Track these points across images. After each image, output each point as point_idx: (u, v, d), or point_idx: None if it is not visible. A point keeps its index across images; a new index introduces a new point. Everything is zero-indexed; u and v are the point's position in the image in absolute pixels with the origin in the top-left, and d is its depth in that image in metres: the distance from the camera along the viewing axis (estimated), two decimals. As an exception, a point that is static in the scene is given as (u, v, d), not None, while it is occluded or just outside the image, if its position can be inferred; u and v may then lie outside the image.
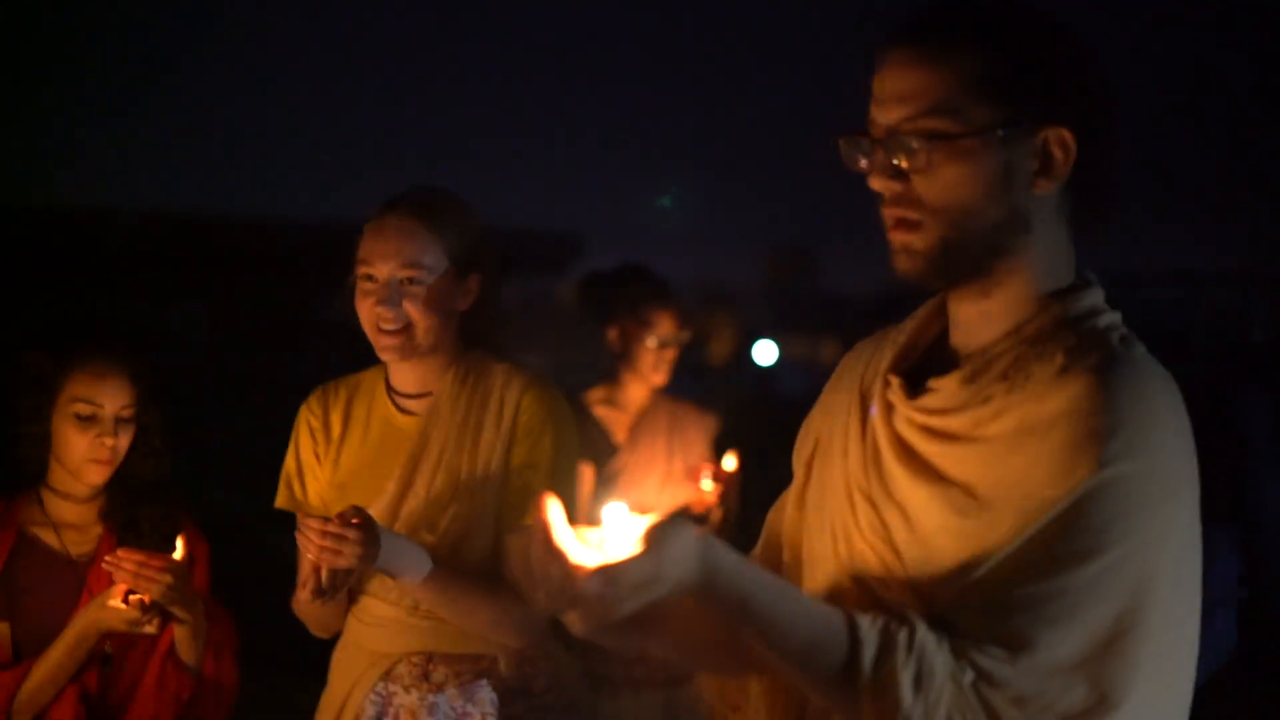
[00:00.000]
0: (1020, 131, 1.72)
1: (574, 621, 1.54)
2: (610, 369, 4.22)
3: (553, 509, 1.56)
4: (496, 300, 3.00)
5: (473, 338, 2.97)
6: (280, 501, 3.03)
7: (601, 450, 4.13)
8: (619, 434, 4.18)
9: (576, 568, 1.52)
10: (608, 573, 1.50)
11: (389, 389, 2.99)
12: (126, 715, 2.98)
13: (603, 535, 1.55)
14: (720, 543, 1.60)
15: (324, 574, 2.67)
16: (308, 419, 3.01)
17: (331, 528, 2.63)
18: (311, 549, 2.64)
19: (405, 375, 2.96)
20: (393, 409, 2.97)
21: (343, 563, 2.64)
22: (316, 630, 2.99)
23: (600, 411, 4.19)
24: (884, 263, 1.82)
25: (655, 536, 1.52)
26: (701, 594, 1.56)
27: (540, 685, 2.95)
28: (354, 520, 2.65)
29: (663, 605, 1.56)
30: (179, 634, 2.96)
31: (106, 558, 2.86)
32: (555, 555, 1.53)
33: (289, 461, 3.03)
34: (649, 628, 1.61)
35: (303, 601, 2.80)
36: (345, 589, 2.79)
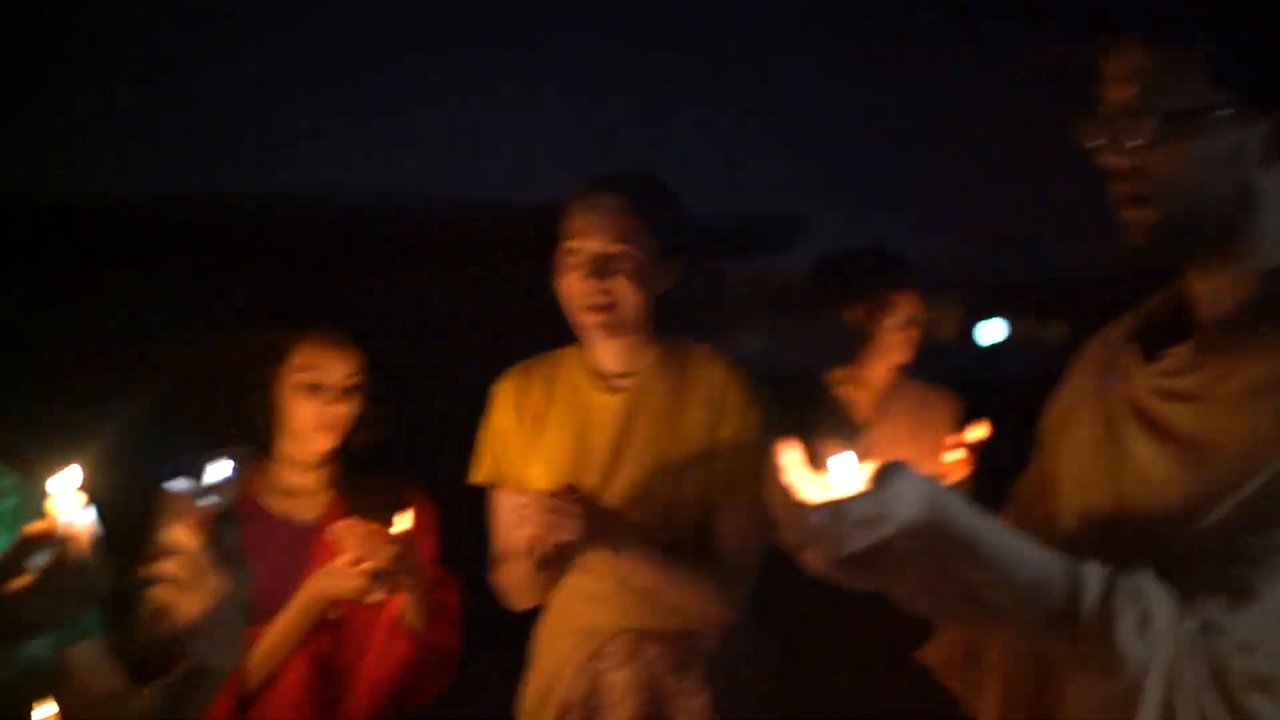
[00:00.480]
0: (1250, 112, 1.76)
1: (808, 559, 1.62)
2: (850, 349, 4.19)
3: (787, 451, 1.63)
4: (696, 285, 3.03)
5: (671, 321, 3.00)
6: (479, 476, 3.08)
7: (846, 430, 4.10)
8: (863, 413, 4.16)
9: (804, 503, 1.59)
10: (833, 508, 1.58)
11: (590, 368, 3.02)
12: (353, 680, 3.04)
13: (833, 478, 1.63)
14: (946, 486, 1.65)
15: (546, 547, 2.76)
16: (507, 396, 3.06)
17: (555, 502, 2.72)
18: (534, 523, 2.72)
19: (608, 354, 2.99)
20: (596, 387, 3.00)
21: (566, 536, 2.73)
22: (519, 602, 3.03)
23: (843, 391, 4.17)
24: (1110, 242, 1.86)
25: (881, 476, 1.60)
26: (929, 533, 1.62)
27: (747, 662, 2.97)
28: (575, 495, 2.73)
29: (895, 546, 1.62)
30: (405, 601, 3.00)
31: (334, 526, 2.92)
32: (786, 493, 1.61)
33: (487, 437, 3.08)
34: (884, 569, 1.66)
35: (516, 573, 2.91)
36: (566, 562, 2.87)
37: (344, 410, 3.08)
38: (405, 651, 3.04)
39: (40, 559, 1.51)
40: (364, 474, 3.16)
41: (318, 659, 3.02)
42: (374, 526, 2.90)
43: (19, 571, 1.51)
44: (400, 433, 3.22)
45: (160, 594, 1.67)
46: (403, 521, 2.93)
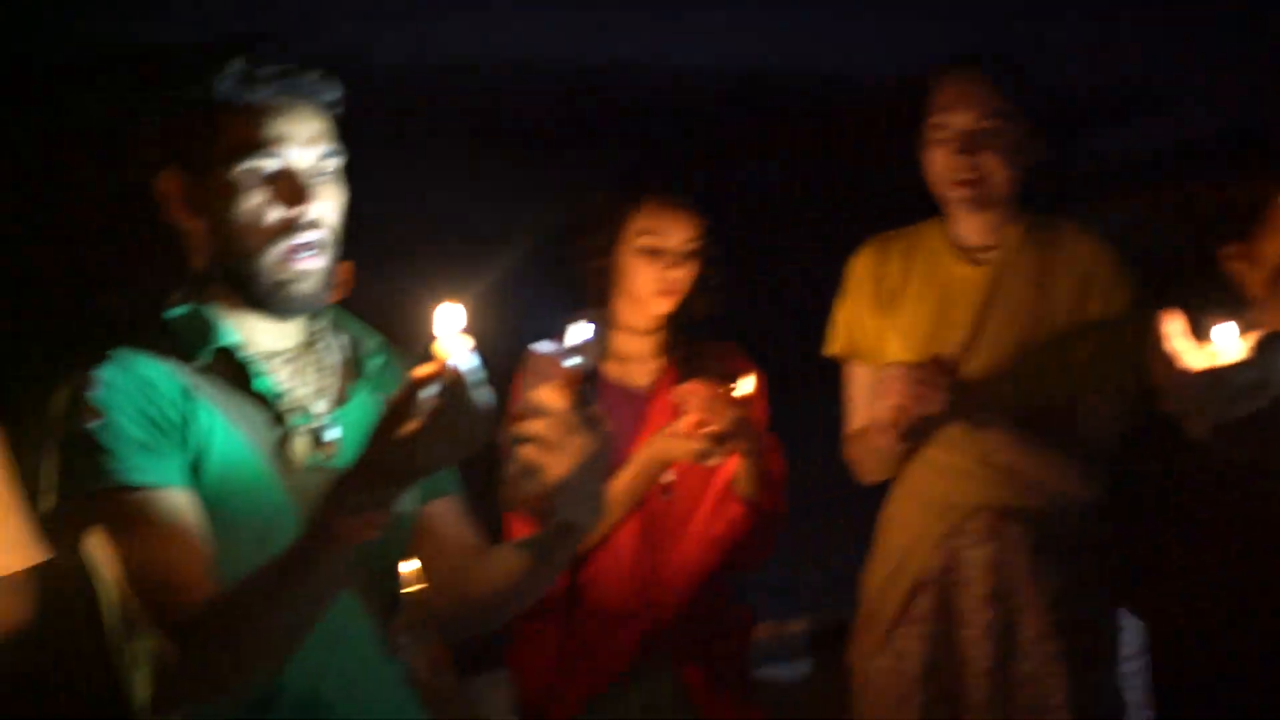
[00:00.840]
0: None
1: (1190, 426, 1.66)
2: (1238, 226, 3.99)
3: (1171, 321, 1.65)
4: (1060, 159, 2.98)
5: (1035, 196, 2.96)
6: (834, 348, 3.09)
7: (1234, 306, 3.93)
8: (1254, 290, 3.96)
9: (1186, 369, 1.64)
10: (1215, 375, 1.62)
11: (953, 241, 3.00)
12: (682, 543, 3.07)
13: (1216, 347, 1.65)
14: None
15: (909, 419, 2.78)
16: (862, 270, 3.06)
17: (921, 374, 2.74)
18: (899, 394, 2.75)
19: (971, 227, 2.97)
20: (958, 261, 2.99)
21: (931, 409, 2.76)
22: (872, 474, 3.05)
23: (1234, 268, 3.98)
24: None
25: (1264, 345, 1.61)
26: None
27: (1097, 549, 2.93)
28: (941, 367, 2.74)
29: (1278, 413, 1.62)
30: (739, 467, 3.01)
31: (680, 388, 2.93)
32: (1170, 361, 1.65)
33: (843, 310, 3.08)
34: (1266, 436, 1.70)
35: (872, 445, 2.93)
36: (926, 436, 2.87)
37: (682, 275, 3.08)
38: (735, 517, 3.06)
39: (427, 402, 1.53)
40: (695, 341, 3.16)
41: (650, 521, 3.06)
42: (718, 389, 2.90)
43: (407, 414, 1.54)
44: (733, 300, 3.21)
45: (528, 453, 1.70)
46: (745, 385, 2.93)
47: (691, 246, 3.08)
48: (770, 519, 3.10)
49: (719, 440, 2.90)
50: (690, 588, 3.07)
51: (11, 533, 2.65)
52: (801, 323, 3.20)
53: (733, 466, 3.02)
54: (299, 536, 1.65)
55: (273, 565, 1.67)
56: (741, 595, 3.23)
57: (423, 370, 1.55)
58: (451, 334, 1.54)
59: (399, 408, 1.55)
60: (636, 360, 3.16)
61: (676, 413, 2.97)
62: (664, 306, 3.10)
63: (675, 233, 3.07)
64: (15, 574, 2.70)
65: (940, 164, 2.89)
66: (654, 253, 3.06)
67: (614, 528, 3.03)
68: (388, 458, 1.57)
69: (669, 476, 3.05)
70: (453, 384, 1.54)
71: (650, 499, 3.06)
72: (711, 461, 2.94)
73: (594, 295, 3.14)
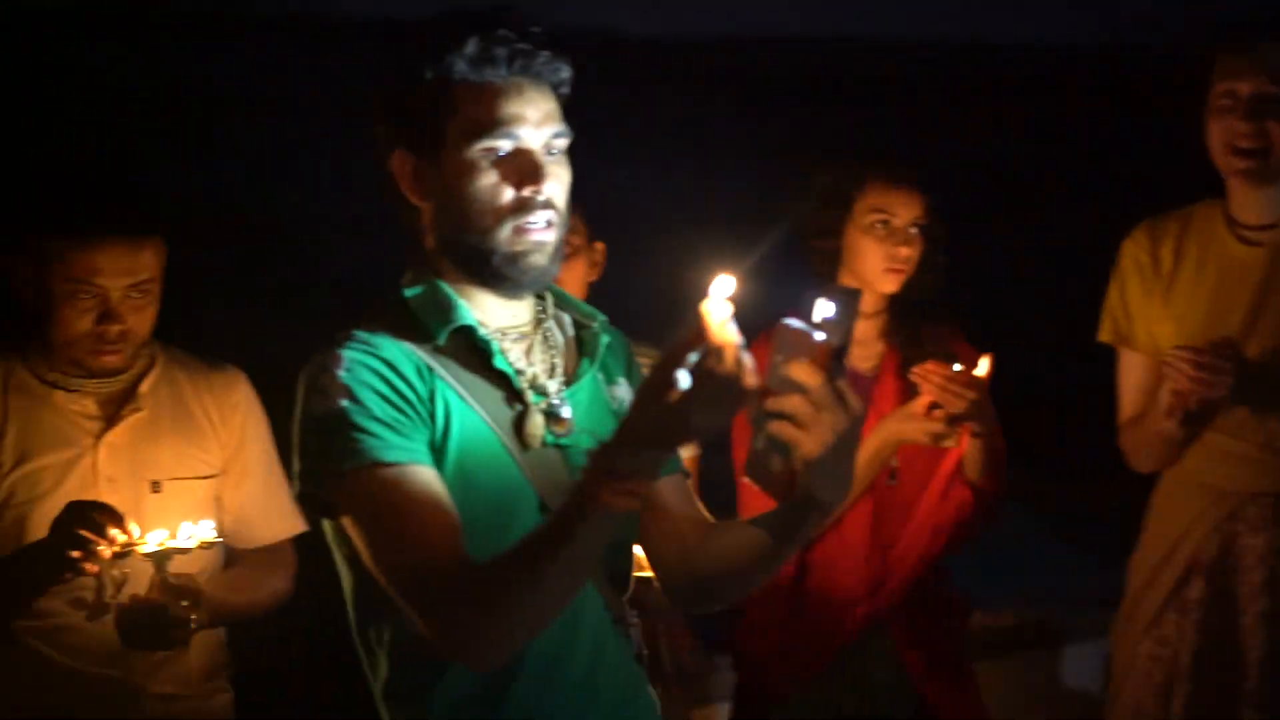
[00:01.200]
0: None
1: None
2: None
3: None
4: None
5: None
6: (1104, 335, 3.05)
7: None
8: None
9: None
10: None
11: (1231, 218, 2.92)
12: (908, 527, 3.04)
13: None
14: None
15: (1190, 404, 2.73)
16: (1134, 253, 3.00)
17: (1206, 358, 2.68)
18: (1182, 379, 2.70)
19: (1250, 204, 2.90)
20: (1234, 240, 2.92)
21: (1215, 393, 2.71)
22: (1146, 464, 3.01)
23: None
24: None
25: None
26: None
27: None
28: (1226, 350, 2.69)
29: None
30: (970, 450, 2.96)
31: (916, 369, 2.89)
32: None
33: (1113, 296, 3.03)
34: None
35: (1147, 433, 2.89)
36: (1207, 421, 2.82)
37: (910, 253, 3.02)
38: (962, 500, 3.02)
39: (686, 371, 1.51)
40: (919, 321, 3.10)
41: (878, 503, 3.03)
42: (954, 371, 2.85)
43: (673, 379, 1.52)
44: (957, 282, 3.14)
45: (781, 429, 1.66)
46: (981, 367, 2.88)
47: (920, 223, 3.03)
48: (993, 502, 3.05)
49: (954, 422, 2.85)
50: (915, 572, 3.04)
51: (281, 501, 2.74)
52: (1015, 305, 3.12)
53: (961, 449, 2.97)
54: (562, 506, 1.64)
55: (534, 536, 1.66)
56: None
57: (685, 335, 1.52)
58: (720, 302, 1.52)
59: (666, 371, 1.53)
60: (860, 343, 3.11)
61: (901, 397, 2.96)
62: (891, 286, 3.05)
63: (905, 210, 3.02)
64: (283, 542, 2.80)
65: (1223, 132, 2.81)
66: (883, 230, 3.01)
67: (843, 511, 3.00)
68: (655, 421, 1.55)
69: (895, 460, 3.02)
70: (719, 349, 1.52)
71: (877, 483, 3.02)
72: (946, 444, 2.90)
73: (820, 275, 3.09)
